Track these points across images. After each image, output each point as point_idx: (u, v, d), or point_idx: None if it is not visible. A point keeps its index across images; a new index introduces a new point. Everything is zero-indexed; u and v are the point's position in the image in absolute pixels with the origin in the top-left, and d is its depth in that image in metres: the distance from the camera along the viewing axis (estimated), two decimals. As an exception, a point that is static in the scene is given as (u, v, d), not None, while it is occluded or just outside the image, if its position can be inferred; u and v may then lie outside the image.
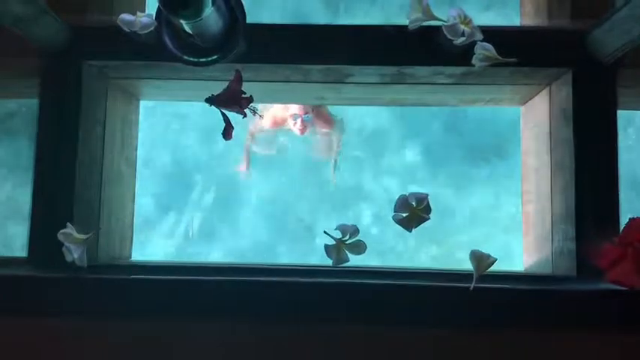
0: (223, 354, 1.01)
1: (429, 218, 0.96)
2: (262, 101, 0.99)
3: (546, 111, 1.23)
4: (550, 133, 1.22)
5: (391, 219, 0.97)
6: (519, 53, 1.08)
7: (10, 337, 1.02)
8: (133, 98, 1.37)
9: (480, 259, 0.96)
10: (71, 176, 1.14)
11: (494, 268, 1.00)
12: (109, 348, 1.02)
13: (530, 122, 1.33)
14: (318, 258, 1.07)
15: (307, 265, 1.13)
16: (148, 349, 1.02)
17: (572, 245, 1.10)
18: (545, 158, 1.22)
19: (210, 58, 0.98)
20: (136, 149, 1.39)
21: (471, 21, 1.03)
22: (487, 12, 3.01)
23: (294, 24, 1.17)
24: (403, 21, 1.11)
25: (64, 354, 1.02)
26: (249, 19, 1.01)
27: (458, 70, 1.15)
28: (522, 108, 1.36)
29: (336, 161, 2.98)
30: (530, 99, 1.31)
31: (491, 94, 1.31)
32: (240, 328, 1.01)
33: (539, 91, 1.26)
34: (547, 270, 1.19)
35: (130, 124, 1.36)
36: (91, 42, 1.15)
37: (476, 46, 1.04)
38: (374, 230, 2.99)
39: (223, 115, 0.95)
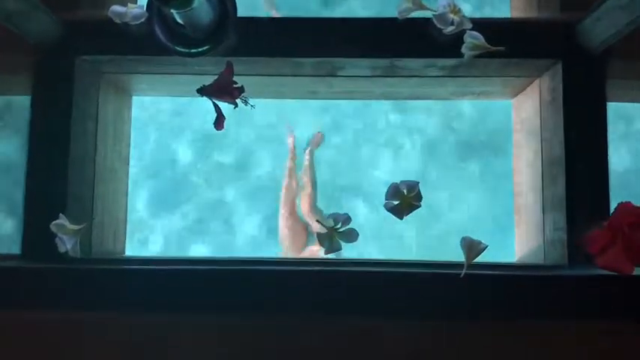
0: (221, 346, 1.02)
1: (420, 206, 0.97)
2: (254, 96, 1.00)
3: (537, 103, 1.24)
4: (540, 124, 1.22)
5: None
6: (509, 45, 1.09)
7: (3, 331, 1.02)
8: (126, 94, 1.37)
9: (471, 245, 0.96)
10: (64, 172, 1.14)
11: (485, 258, 1.00)
12: (105, 339, 1.02)
13: (521, 114, 1.34)
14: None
15: (301, 258, 1.13)
16: (144, 341, 1.02)
17: (563, 235, 1.11)
18: (536, 149, 1.23)
19: (201, 49, 0.99)
20: (129, 145, 1.39)
21: (460, 10, 1.04)
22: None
23: (284, 17, 1.17)
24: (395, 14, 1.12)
25: (58, 346, 1.02)
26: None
27: (449, 62, 1.16)
28: (513, 101, 1.37)
29: None
30: (520, 91, 1.32)
31: (481, 86, 1.31)
32: (240, 320, 1.02)
33: (530, 84, 1.27)
34: (539, 260, 1.20)
35: (122, 120, 1.36)
36: (84, 37, 1.16)
37: (465, 35, 1.05)
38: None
39: (215, 105, 0.95)
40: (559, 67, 1.15)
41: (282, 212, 3.05)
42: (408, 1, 1.05)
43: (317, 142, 3.26)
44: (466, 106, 3.24)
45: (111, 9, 1.08)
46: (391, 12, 1.14)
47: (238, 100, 0.96)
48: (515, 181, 1.36)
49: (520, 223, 1.32)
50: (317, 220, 0.99)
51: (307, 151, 3.21)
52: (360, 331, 1.01)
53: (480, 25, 1.09)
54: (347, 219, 0.97)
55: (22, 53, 1.16)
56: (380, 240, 3.13)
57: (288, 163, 3.21)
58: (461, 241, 0.97)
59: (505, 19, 1.26)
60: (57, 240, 1.01)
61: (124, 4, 1.09)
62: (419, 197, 0.97)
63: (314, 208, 3.03)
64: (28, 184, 1.14)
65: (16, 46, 1.14)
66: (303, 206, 3.06)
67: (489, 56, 1.09)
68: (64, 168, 1.14)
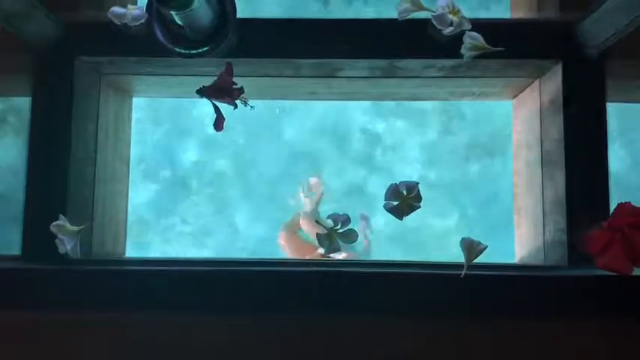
0: (221, 346, 1.02)
1: (419, 206, 0.97)
2: (253, 97, 1.00)
3: (536, 103, 1.24)
4: (540, 125, 1.22)
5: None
6: (509, 45, 1.09)
7: (3, 332, 1.03)
8: (126, 95, 1.37)
9: (471, 246, 0.96)
10: (64, 173, 1.14)
11: (485, 259, 1.01)
12: (105, 340, 1.02)
13: (521, 115, 1.34)
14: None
15: (300, 259, 1.14)
16: (144, 342, 1.02)
17: (563, 236, 1.11)
18: (536, 150, 1.23)
19: (200, 50, 0.99)
20: (130, 146, 1.39)
21: (459, 11, 1.05)
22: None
23: (284, 18, 1.17)
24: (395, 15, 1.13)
25: (58, 347, 1.02)
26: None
27: (448, 62, 1.15)
28: (513, 101, 1.37)
29: None
30: (520, 92, 1.32)
31: (481, 87, 1.31)
32: (240, 320, 1.02)
33: (530, 84, 1.27)
34: (539, 261, 1.20)
35: (123, 121, 1.36)
36: (83, 38, 1.16)
37: (464, 36, 1.05)
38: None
39: (214, 106, 0.96)
40: (559, 67, 1.15)
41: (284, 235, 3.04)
42: (407, 2, 1.05)
43: (317, 193, 3.18)
44: (466, 106, 3.25)
45: (110, 10, 1.08)
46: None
47: (238, 101, 0.97)
48: (515, 182, 1.37)
49: (520, 224, 1.32)
50: (316, 221, 0.99)
51: (314, 204, 3.15)
52: (360, 331, 1.01)
53: (479, 25, 1.09)
54: (346, 220, 0.98)
55: (22, 54, 1.16)
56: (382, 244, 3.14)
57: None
58: (460, 242, 0.97)
59: (504, 19, 1.26)
60: (57, 241, 1.01)
61: (124, 6, 1.09)
62: (419, 198, 0.97)
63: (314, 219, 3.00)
64: (28, 185, 1.14)
65: (16, 47, 1.14)
66: (305, 226, 3.04)
67: (489, 57, 1.09)
68: (65, 169, 1.14)
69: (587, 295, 1.00)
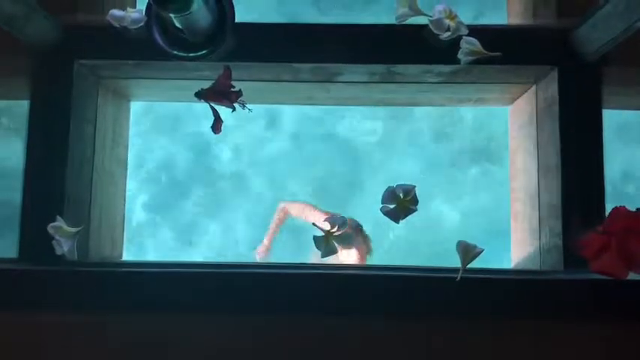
0: (221, 347, 1.02)
1: (416, 209, 0.97)
2: (251, 101, 1.00)
3: (533, 109, 1.25)
4: (537, 131, 1.23)
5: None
6: (506, 51, 1.10)
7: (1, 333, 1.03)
8: (124, 99, 1.38)
9: (467, 249, 0.96)
10: (62, 176, 1.14)
11: (483, 264, 1.01)
12: (102, 341, 1.02)
13: (517, 121, 1.34)
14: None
15: (296, 263, 1.14)
16: (141, 342, 1.02)
17: (559, 241, 1.11)
18: (533, 156, 1.24)
19: (199, 53, 0.99)
20: (127, 149, 1.40)
21: (456, 16, 1.05)
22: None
23: (283, 22, 1.18)
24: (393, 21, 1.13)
25: (56, 348, 1.02)
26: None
27: (446, 68, 1.16)
28: (510, 107, 1.38)
29: None
30: (517, 98, 1.32)
31: (478, 93, 1.32)
32: (240, 321, 1.02)
33: (526, 90, 1.27)
34: (535, 266, 1.20)
35: (120, 124, 1.36)
36: (82, 41, 1.16)
37: (461, 41, 1.06)
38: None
39: (213, 109, 0.96)
40: (555, 73, 1.15)
41: None
42: (405, 7, 1.06)
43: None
44: (464, 112, 3.25)
45: (110, 13, 1.09)
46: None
47: (236, 104, 0.97)
48: (512, 187, 1.37)
49: (517, 229, 1.33)
50: (313, 224, 0.99)
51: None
52: (360, 332, 1.01)
53: (476, 31, 1.09)
54: (343, 222, 0.98)
55: (21, 57, 1.16)
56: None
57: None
58: (457, 245, 0.97)
59: (501, 25, 1.27)
60: (54, 242, 1.01)
61: (123, 8, 1.10)
62: (415, 201, 0.97)
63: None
64: (26, 186, 1.14)
65: (15, 50, 1.15)
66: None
67: (486, 62, 1.10)
68: (62, 171, 1.14)
69: (583, 298, 1.00)
